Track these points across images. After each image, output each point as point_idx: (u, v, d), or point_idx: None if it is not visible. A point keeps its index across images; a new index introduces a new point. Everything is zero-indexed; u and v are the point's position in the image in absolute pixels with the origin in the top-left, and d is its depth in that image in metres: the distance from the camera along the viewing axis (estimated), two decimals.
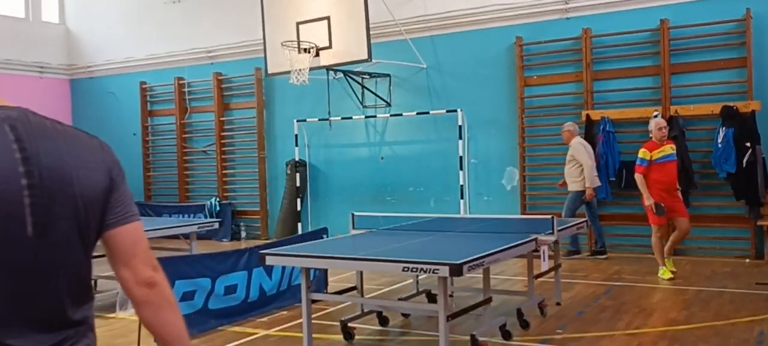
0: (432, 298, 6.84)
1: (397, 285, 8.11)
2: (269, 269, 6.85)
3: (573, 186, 9.71)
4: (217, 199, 13.71)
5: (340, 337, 5.85)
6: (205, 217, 13.18)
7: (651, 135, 8.29)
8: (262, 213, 13.59)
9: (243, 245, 11.89)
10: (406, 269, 4.74)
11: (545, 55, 10.90)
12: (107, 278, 7.21)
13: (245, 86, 13.66)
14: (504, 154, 11.27)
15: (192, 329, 6.03)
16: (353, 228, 6.90)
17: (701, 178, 9.78)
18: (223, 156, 14.00)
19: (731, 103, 9.38)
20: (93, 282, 6.57)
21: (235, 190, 14.04)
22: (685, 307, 6.82)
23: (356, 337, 5.90)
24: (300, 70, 10.83)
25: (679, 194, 8.43)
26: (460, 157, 11.50)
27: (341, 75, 11.73)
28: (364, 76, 11.95)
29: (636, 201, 9.13)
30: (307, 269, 5.54)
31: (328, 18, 10.83)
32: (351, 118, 12.39)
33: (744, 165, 9.22)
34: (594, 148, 10.18)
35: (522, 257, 6.20)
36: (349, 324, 5.90)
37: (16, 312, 1.52)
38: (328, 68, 11.27)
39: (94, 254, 1.67)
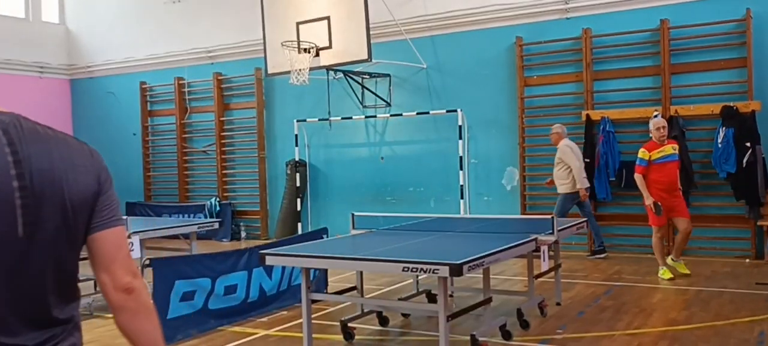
0: (432, 298, 6.83)
1: (397, 285, 8.11)
2: (269, 269, 6.85)
3: (561, 188, 9.71)
4: (217, 199, 13.71)
5: (340, 337, 5.85)
6: (205, 217, 13.19)
7: (651, 135, 8.30)
8: (262, 213, 13.59)
9: (243, 245, 11.89)
10: (406, 269, 4.74)
11: (545, 55, 10.90)
12: None
13: (245, 86, 13.66)
14: (504, 154, 11.27)
15: (192, 329, 6.09)
16: (353, 228, 6.90)
17: (701, 178, 9.78)
18: (223, 156, 14.00)
19: (731, 103, 9.38)
20: (93, 283, 6.56)
21: (235, 190, 14.04)
22: (685, 307, 6.82)
23: (356, 337, 5.89)
24: (300, 70, 10.83)
25: (681, 194, 8.43)
26: (460, 157, 11.50)
27: (341, 75, 11.73)
28: (364, 76, 11.95)
29: (636, 201, 9.13)
30: (307, 269, 5.54)
31: (328, 18, 10.84)
32: (351, 118, 12.39)
33: (744, 165, 9.22)
34: (594, 148, 10.19)
35: (522, 257, 6.20)
36: (349, 324, 5.90)
37: (7, 310, 1.57)
38: (328, 68, 11.27)
39: (84, 256, 1.71)
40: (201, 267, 6.32)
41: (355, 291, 6.22)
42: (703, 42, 9.78)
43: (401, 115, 12.02)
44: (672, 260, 8.39)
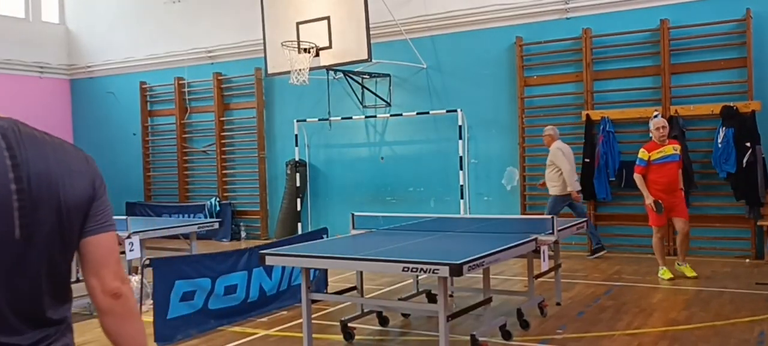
0: (432, 298, 6.83)
1: (397, 285, 8.11)
2: (269, 269, 6.85)
3: (552, 190, 9.69)
4: (217, 199, 13.71)
5: (340, 337, 5.85)
6: (205, 217, 13.19)
7: (651, 135, 8.30)
8: (262, 213, 13.59)
9: (243, 245, 11.90)
10: (406, 269, 4.74)
11: (545, 55, 10.90)
12: None
13: (245, 86, 13.66)
14: (504, 154, 11.27)
15: (192, 329, 6.09)
16: (353, 228, 6.89)
17: (701, 178, 9.78)
18: (223, 156, 14.00)
19: (731, 103, 9.38)
20: None
21: (235, 190, 14.04)
22: (685, 307, 6.82)
23: (356, 337, 5.89)
24: (300, 70, 10.82)
25: (681, 194, 8.42)
26: (460, 158, 11.50)
27: (341, 75, 11.73)
28: (364, 76, 11.95)
29: (636, 201, 9.13)
30: (307, 269, 5.53)
31: (328, 18, 10.84)
32: (351, 118, 12.39)
33: (744, 165, 9.22)
34: (594, 148, 10.18)
35: (522, 257, 6.19)
36: (349, 324, 5.90)
37: (7, 310, 1.60)
38: (328, 68, 11.27)
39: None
40: (201, 267, 6.31)
41: (355, 291, 6.22)
42: (703, 42, 9.78)
43: (401, 115, 12.02)
44: (678, 265, 8.36)
